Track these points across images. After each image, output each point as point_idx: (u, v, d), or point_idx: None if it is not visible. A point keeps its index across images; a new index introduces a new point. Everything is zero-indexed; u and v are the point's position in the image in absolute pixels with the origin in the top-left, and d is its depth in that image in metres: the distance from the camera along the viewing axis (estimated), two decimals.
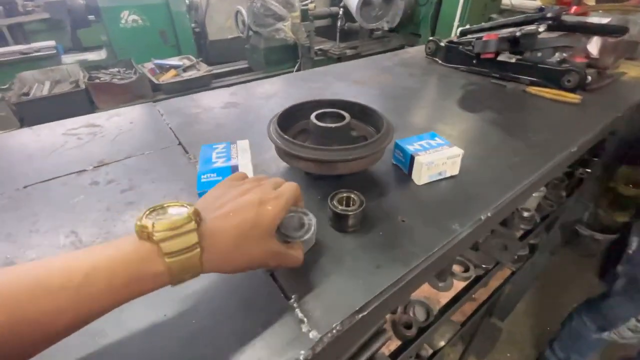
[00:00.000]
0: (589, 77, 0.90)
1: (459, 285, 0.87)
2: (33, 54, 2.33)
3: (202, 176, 0.50)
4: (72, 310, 0.24)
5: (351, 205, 0.46)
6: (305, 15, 1.85)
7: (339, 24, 1.94)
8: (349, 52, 2.11)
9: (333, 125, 0.54)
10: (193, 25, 3.08)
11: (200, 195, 0.49)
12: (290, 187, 0.38)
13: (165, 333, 0.34)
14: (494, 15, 1.18)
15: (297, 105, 0.61)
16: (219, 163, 0.53)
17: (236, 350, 0.33)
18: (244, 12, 1.79)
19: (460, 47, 1.12)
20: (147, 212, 0.29)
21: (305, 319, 0.35)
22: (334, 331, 0.35)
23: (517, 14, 2.77)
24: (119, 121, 0.79)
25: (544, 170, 0.61)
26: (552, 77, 0.94)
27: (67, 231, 0.47)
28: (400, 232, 0.47)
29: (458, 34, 1.21)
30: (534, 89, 0.94)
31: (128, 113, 0.83)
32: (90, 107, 1.41)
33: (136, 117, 0.81)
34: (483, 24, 1.20)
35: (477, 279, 0.88)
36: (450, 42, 1.16)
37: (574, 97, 0.88)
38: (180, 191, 0.55)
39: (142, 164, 0.62)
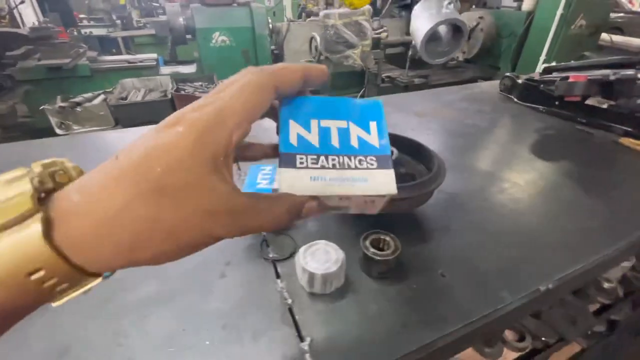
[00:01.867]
0: None
1: (509, 355, 0.76)
2: (137, 64, 2.74)
3: None
4: None
5: (385, 249, 0.44)
6: (376, 43, 1.88)
7: (410, 52, 1.93)
8: (417, 80, 2.07)
9: None
10: (273, 47, 3.35)
11: None
12: (237, 87, 0.20)
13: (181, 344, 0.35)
14: (587, 53, 1.05)
15: None
16: (262, 185, 0.55)
17: None
18: (317, 38, 1.89)
19: (542, 85, 1.02)
20: None
21: None
22: None
23: (617, 52, 2.46)
24: None
25: (629, 241, 0.51)
26: None
27: None
28: (437, 288, 0.42)
29: (541, 71, 1.11)
30: (628, 141, 0.80)
31: None
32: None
33: None
34: (572, 62, 1.08)
35: (534, 352, 0.75)
36: (530, 79, 1.06)
37: None
38: None
39: None
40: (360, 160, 0.24)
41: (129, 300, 0.39)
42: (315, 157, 0.23)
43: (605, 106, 0.88)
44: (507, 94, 1.14)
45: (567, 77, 0.88)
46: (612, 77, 0.79)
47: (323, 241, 0.43)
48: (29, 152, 0.76)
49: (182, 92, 1.66)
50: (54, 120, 1.40)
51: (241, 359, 0.34)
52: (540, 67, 2.14)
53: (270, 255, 0.47)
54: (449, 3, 1.22)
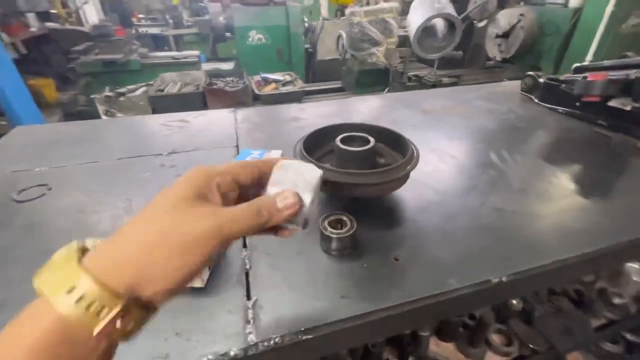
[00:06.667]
0: None
1: (493, 359, 0.75)
2: (181, 60, 2.95)
3: None
4: None
5: (341, 228, 0.46)
6: (403, 41, 1.86)
7: None
8: (446, 80, 2.01)
9: (354, 149, 0.55)
10: (307, 46, 3.42)
11: None
12: (234, 162, 0.31)
13: None
14: (629, 53, 0.97)
15: (329, 127, 0.63)
16: None
17: (180, 323, 0.37)
18: (344, 36, 1.91)
19: (563, 85, 0.96)
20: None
21: (252, 321, 0.38)
22: (272, 342, 0.36)
23: None
24: (203, 120, 0.95)
25: (613, 247, 0.49)
26: None
27: (125, 197, 0.60)
28: (387, 269, 0.44)
29: (572, 71, 1.04)
30: None
31: (213, 115, 0.99)
32: (204, 106, 1.73)
33: (217, 119, 0.96)
34: (605, 61, 1.01)
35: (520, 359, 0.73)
36: (551, 78, 1.01)
37: None
38: None
39: (201, 157, 0.74)
40: None
41: None
42: None
43: (628, 108, 0.82)
44: (527, 94, 1.09)
45: (587, 77, 0.83)
46: (632, 76, 0.73)
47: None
48: (79, 130, 0.88)
49: (214, 87, 1.78)
50: (101, 108, 1.58)
51: (195, 305, 0.39)
52: None
53: None
54: None
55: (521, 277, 0.44)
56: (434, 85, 1.96)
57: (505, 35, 2.14)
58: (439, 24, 1.24)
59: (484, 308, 0.69)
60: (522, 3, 2.84)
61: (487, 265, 0.45)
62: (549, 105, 1.00)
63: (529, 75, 1.08)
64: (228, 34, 3.08)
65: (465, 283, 0.42)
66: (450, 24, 1.27)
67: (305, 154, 0.55)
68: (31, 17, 3.89)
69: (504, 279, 0.43)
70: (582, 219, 0.54)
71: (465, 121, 0.93)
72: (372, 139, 0.57)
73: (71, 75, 3.72)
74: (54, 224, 0.54)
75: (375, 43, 1.71)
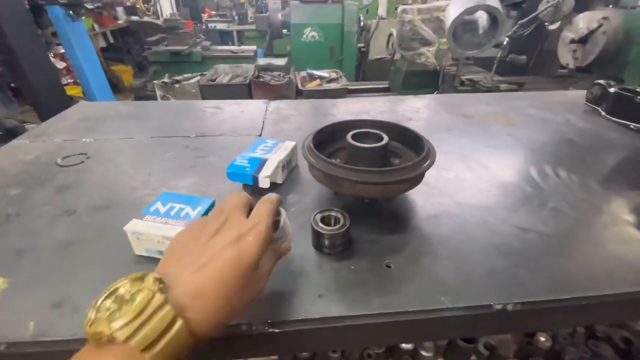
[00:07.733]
0: None
1: None
2: (239, 54, 3.10)
3: (237, 160, 0.58)
4: None
5: (334, 224, 0.44)
6: None
7: (499, 54, 1.73)
8: (504, 86, 1.84)
9: (363, 145, 0.52)
10: (361, 45, 3.38)
11: (228, 175, 0.57)
12: (263, 206, 0.33)
13: None
14: None
15: (346, 122, 0.61)
16: (257, 154, 0.60)
17: None
18: (395, 34, 1.85)
19: (639, 97, 0.82)
20: (98, 305, 0.24)
21: None
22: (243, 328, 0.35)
23: None
24: (236, 109, 0.98)
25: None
26: None
27: (147, 171, 0.64)
28: (376, 275, 0.41)
29: None
30: None
31: (246, 105, 1.02)
32: (249, 97, 1.80)
33: (248, 109, 0.98)
34: None
35: None
36: (624, 89, 0.86)
37: None
38: None
39: (222, 142, 0.77)
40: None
41: None
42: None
43: None
44: (593, 105, 0.95)
45: None
46: None
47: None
48: (129, 109, 0.97)
49: (260, 80, 1.85)
50: (158, 93, 1.74)
51: None
52: None
53: None
54: None
55: (532, 310, 0.38)
56: (489, 91, 1.80)
57: (582, 40, 1.89)
58: (482, 18, 1.13)
59: (484, 336, 0.62)
60: (610, 6, 2.50)
61: (493, 289, 0.40)
62: (619, 120, 0.86)
63: (597, 84, 0.94)
64: (285, 31, 3.16)
65: (459, 304, 0.37)
66: (493, 19, 1.15)
67: (312, 147, 0.53)
68: (120, 11, 4.38)
69: (509, 307, 0.38)
70: (630, 254, 0.45)
71: (509, 129, 0.84)
72: (385, 137, 0.53)
73: (145, 64, 4.12)
74: (82, 189, 0.59)
75: (427, 42, 1.62)
